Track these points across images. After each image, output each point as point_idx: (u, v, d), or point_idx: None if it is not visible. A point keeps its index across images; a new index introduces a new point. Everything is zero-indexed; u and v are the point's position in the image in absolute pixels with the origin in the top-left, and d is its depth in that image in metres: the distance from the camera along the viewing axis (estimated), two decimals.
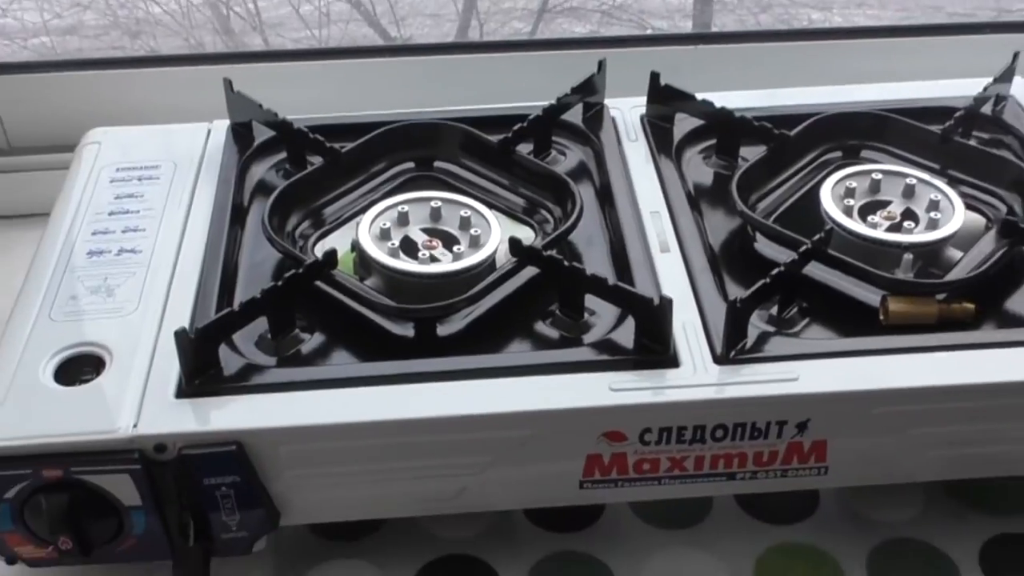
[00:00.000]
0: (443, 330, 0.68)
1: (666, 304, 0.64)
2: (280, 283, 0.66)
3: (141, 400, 0.63)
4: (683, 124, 0.86)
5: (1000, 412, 0.65)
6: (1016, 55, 0.86)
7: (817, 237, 0.69)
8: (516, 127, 0.81)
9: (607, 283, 0.66)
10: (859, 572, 0.70)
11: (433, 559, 0.72)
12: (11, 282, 0.92)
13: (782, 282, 0.67)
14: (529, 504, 0.73)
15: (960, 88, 0.87)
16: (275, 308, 0.67)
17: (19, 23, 1.29)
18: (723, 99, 0.85)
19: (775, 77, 1.01)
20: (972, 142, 0.83)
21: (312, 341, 0.68)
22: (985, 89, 0.84)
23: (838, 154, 0.84)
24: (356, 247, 0.73)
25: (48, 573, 0.70)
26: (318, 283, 0.69)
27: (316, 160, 0.81)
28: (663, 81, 0.86)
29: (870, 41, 1.06)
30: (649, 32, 1.39)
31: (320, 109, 0.91)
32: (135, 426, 0.61)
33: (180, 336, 0.62)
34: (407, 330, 0.68)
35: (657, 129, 0.85)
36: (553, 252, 0.69)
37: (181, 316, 0.68)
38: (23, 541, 0.63)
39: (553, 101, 0.83)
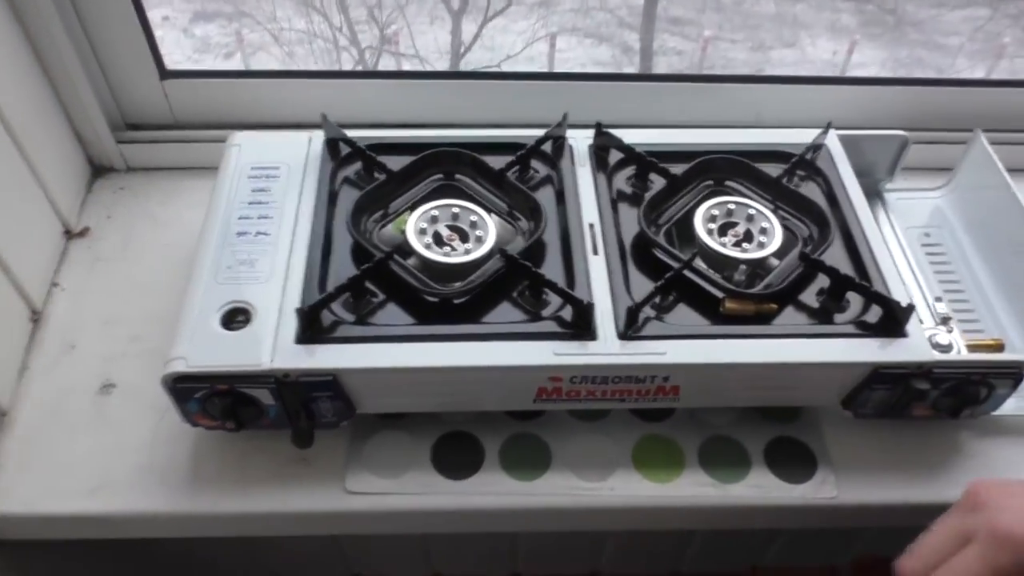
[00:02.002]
0: (457, 300, 0.73)
1: (591, 305, 0.70)
2: (360, 273, 0.71)
3: (274, 344, 0.68)
4: (615, 154, 0.87)
5: (784, 374, 0.72)
6: (829, 123, 0.88)
7: (686, 259, 0.74)
8: (509, 160, 0.82)
9: (556, 285, 0.71)
10: (693, 453, 0.77)
11: (444, 432, 0.78)
12: (182, 215, 0.97)
13: (663, 288, 0.73)
14: (503, 408, 0.79)
15: (802, 135, 0.88)
16: (356, 287, 0.72)
17: None
18: (644, 135, 0.87)
19: (688, 107, 1.03)
20: (795, 180, 0.86)
21: (377, 302, 0.73)
22: (812, 141, 0.86)
23: (710, 183, 0.86)
24: (403, 233, 0.77)
25: (216, 434, 0.77)
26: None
27: (380, 175, 0.83)
28: (604, 122, 0.87)
29: (753, 86, 1.05)
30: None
31: (386, 107, 0.99)
32: (272, 361, 0.67)
33: (299, 311, 0.69)
34: (435, 299, 0.73)
35: (598, 158, 0.87)
36: (524, 256, 0.74)
37: (295, 283, 0.73)
38: (204, 419, 0.71)
39: (532, 142, 0.84)
